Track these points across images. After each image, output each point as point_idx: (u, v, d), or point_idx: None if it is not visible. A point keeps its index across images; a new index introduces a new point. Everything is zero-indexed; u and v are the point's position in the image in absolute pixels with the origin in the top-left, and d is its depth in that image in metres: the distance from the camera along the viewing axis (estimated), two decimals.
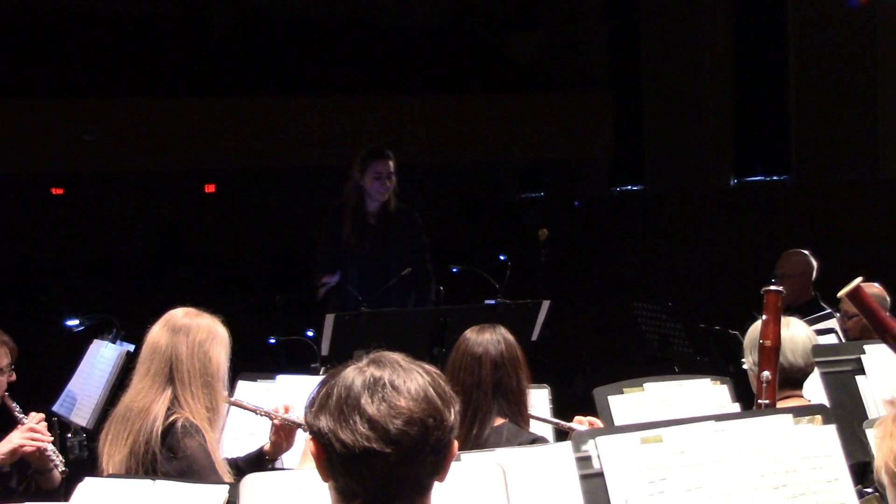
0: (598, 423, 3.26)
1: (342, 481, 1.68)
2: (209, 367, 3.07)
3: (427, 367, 1.75)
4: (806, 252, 5.80)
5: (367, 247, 5.72)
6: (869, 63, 9.67)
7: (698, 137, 12.18)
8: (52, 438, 3.69)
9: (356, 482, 1.66)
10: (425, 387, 1.69)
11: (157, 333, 3.10)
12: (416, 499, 1.70)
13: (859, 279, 2.95)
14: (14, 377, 3.83)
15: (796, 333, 3.38)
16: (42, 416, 3.70)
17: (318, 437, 1.69)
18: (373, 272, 5.70)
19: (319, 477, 1.73)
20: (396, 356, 1.75)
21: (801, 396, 3.38)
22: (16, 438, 3.56)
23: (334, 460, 1.67)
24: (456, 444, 1.74)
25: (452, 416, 1.71)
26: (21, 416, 3.71)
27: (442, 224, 14.80)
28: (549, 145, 13.94)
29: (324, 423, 1.67)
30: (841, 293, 3.01)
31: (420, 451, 1.66)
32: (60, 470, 3.64)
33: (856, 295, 2.94)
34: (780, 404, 3.19)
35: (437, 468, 1.71)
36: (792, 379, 3.36)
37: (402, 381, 1.69)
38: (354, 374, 1.70)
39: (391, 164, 5.73)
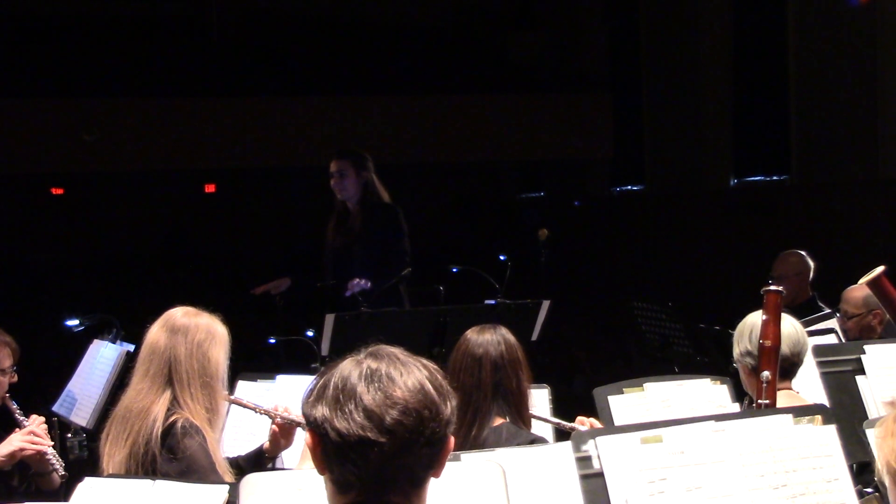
0: (599, 425, 3.26)
1: (337, 472, 1.69)
2: (208, 368, 3.07)
3: (425, 361, 1.77)
4: (802, 252, 5.79)
5: (339, 241, 5.88)
6: (869, 63, 9.66)
7: (698, 137, 12.17)
8: (53, 442, 3.69)
9: (351, 472, 1.67)
10: (422, 379, 1.71)
11: (156, 334, 3.10)
12: (411, 492, 1.71)
13: (882, 268, 2.93)
14: (16, 378, 3.83)
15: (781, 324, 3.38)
16: (43, 419, 3.70)
17: (314, 427, 1.70)
18: (340, 264, 5.83)
19: (317, 472, 1.74)
20: (395, 350, 1.77)
21: (790, 388, 3.37)
22: (16, 441, 3.55)
23: (329, 450, 1.68)
24: (452, 439, 1.75)
25: (448, 409, 1.72)
26: (22, 418, 3.71)
27: (442, 224, 14.84)
28: (549, 145, 13.94)
29: (319, 412, 1.69)
30: (862, 280, 3.00)
31: (415, 441, 1.67)
32: (60, 474, 3.64)
33: (877, 284, 2.93)
34: None
35: (433, 461, 1.72)
36: (779, 369, 3.35)
37: (398, 373, 1.70)
38: (352, 366, 1.72)
39: (336, 163, 5.84)
